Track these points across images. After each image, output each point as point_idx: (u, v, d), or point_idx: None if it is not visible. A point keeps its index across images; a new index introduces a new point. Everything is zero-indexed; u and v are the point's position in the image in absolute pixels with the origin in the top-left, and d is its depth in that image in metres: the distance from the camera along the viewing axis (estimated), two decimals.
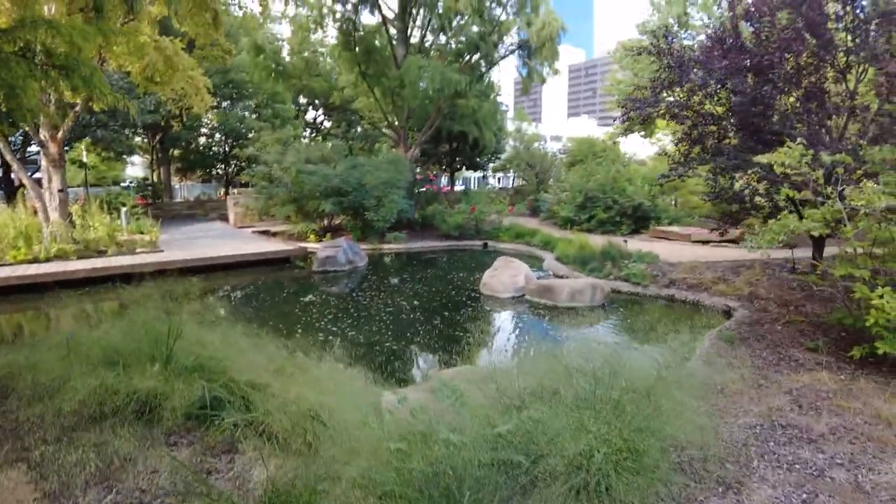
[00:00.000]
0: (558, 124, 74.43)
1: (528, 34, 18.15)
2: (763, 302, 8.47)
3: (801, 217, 6.17)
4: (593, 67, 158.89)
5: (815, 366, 5.57)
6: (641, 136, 32.23)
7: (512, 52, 19.09)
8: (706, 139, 8.54)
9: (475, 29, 17.94)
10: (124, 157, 29.29)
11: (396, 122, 19.64)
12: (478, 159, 27.21)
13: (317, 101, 31.25)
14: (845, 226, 5.18)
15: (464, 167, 28.54)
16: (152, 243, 14.09)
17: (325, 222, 17.71)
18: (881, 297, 4.94)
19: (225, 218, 23.82)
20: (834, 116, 7.42)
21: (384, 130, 22.89)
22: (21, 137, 21.29)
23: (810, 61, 7.37)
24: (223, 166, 29.05)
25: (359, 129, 31.74)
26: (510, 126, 30.17)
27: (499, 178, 44.03)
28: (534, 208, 22.55)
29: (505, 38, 18.78)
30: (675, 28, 27.67)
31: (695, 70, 7.58)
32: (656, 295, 9.60)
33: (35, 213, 14.35)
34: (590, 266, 11.05)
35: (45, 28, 4.76)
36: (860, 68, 7.15)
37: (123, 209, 17.72)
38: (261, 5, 13.56)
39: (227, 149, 27.23)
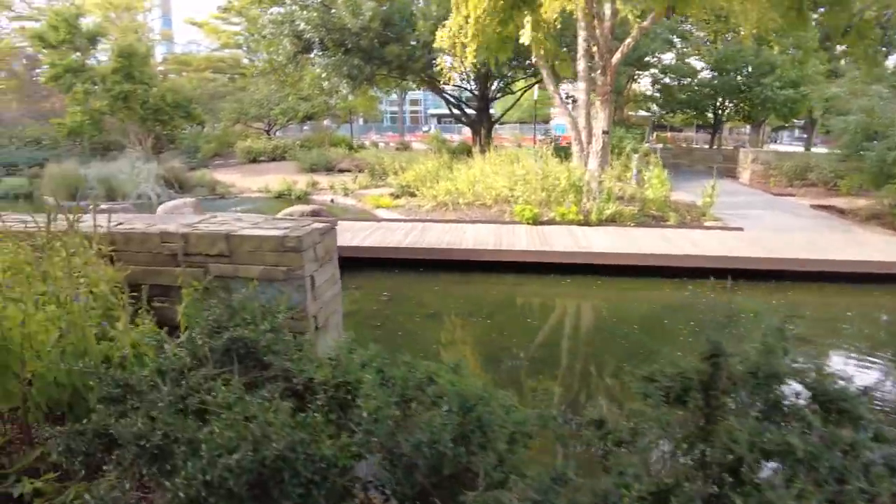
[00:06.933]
0: None
1: None
2: None
3: None
4: None
5: None
6: None
7: None
8: None
9: None
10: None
11: None
12: None
13: None
14: None
15: None
16: (706, 212, 10.67)
17: None
18: None
19: (730, 174, 18.52)
20: None
21: None
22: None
23: None
24: (713, 111, 23.48)
25: None
26: None
27: None
28: None
29: None
30: None
31: None
32: None
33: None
34: None
35: None
36: None
37: (635, 156, 12.91)
38: None
39: (731, 88, 21.49)
